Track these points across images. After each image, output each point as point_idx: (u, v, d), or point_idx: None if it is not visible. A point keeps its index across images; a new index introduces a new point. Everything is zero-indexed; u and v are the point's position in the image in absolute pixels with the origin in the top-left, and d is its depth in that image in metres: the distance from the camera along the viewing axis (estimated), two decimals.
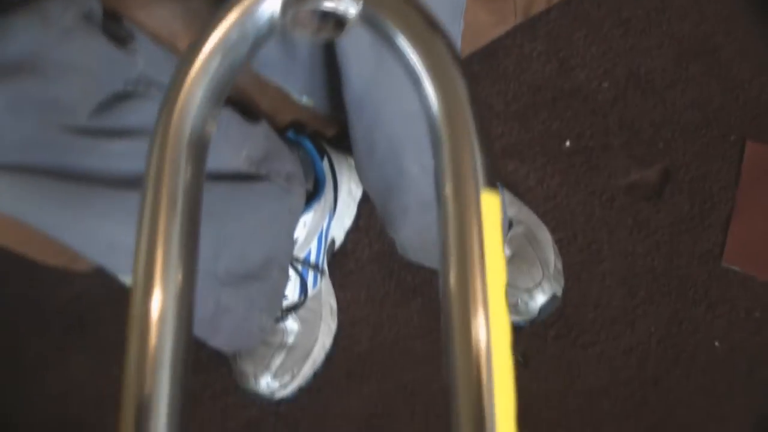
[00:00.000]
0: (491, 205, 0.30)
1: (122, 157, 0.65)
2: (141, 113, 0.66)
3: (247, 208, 0.77)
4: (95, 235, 0.69)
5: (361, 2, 0.33)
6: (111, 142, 0.65)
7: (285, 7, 0.34)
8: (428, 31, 0.33)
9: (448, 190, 0.30)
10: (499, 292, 0.29)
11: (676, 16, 1.05)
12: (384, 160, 0.72)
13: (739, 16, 1.04)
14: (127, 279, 0.73)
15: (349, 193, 0.97)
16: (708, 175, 0.95)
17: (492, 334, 0.28)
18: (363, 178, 0.81)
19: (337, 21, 0.34)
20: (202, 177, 0.34)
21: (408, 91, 0.34)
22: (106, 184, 0.65)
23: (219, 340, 0.84)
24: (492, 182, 0.30)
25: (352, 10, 0.33)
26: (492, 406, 0.28)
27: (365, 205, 1.00)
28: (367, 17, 0.33)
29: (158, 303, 0.31)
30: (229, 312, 0.81)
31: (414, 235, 0.82)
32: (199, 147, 0.35)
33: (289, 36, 0.35)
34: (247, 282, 0.81)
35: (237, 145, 0.75)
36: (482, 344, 0.28)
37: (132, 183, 0.65)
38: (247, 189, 0.76)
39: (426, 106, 0.32)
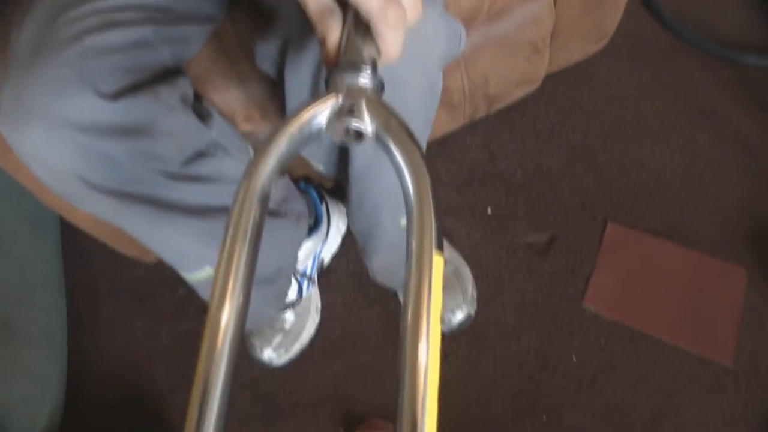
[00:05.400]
0: (437, 263, 0.43)
1: (196, 194, 0.84)
2: (211, 166, 0.86)
3: (268, 233, 1.10)
4: (171, 243, 0.89)
5: (374, 126, 0.47)
6: (190, 184, 0.83)
7: (329, 123, 0.48)
8: (411, 145, 0.46)
9: (414, 246, 0.43)
10: (436, 314, 0.41)
11: (571, 130, 1.44)
12: (368, 215, 0.96)
13: (616, 134, 1.44)
14: (186, 275, 0.96)
15: (337, 228, 1.37)
16: (580, 243, 1.37)
17: (431, 341, 0.41)
18: (351, 223, 1.05)
19: (358, 134, 0.48)
20: (264, 217, 0.48)
21: (391, 175, 0.50)
22: (183, 212, 0.84)
23: None
24: (440, 246, 0.43)
25: (369, 130, 0.48)
26: (426, 378, 0.40)
27: (347, 238, 1.39)
28: (377, 135, 0.48)
29: (228, 301, 0.45)
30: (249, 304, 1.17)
31: (382, 265, 1.16)
32: (265, 199, 0.47)
33: (326, 136, 0.48)
34: (263, 285, 1.10)
35: None
36: (424, 346, 0.41)
37: (199, 213, 0.85)
38: (271, 221, 1.00)
39: (405, 189, 0.45)
